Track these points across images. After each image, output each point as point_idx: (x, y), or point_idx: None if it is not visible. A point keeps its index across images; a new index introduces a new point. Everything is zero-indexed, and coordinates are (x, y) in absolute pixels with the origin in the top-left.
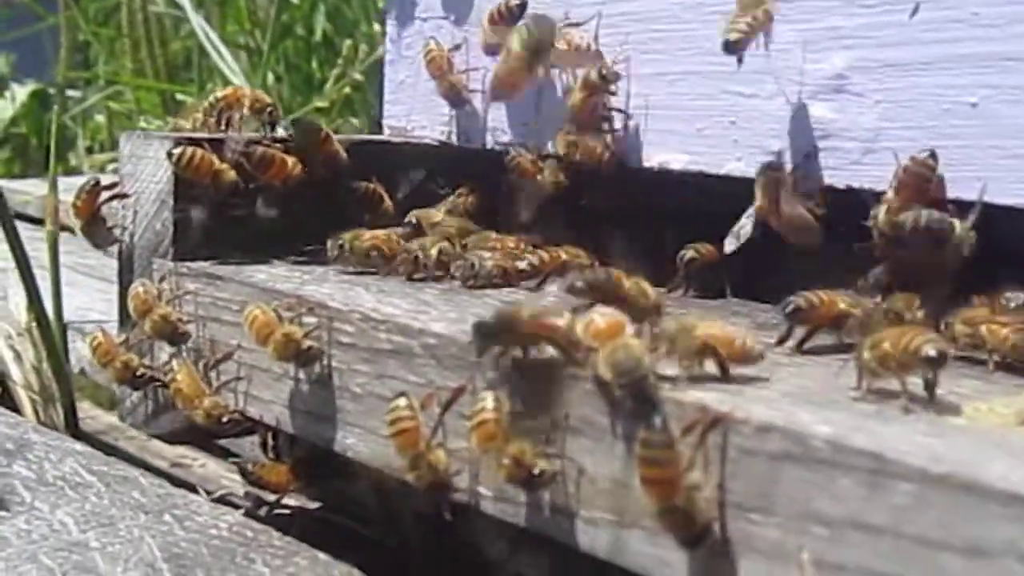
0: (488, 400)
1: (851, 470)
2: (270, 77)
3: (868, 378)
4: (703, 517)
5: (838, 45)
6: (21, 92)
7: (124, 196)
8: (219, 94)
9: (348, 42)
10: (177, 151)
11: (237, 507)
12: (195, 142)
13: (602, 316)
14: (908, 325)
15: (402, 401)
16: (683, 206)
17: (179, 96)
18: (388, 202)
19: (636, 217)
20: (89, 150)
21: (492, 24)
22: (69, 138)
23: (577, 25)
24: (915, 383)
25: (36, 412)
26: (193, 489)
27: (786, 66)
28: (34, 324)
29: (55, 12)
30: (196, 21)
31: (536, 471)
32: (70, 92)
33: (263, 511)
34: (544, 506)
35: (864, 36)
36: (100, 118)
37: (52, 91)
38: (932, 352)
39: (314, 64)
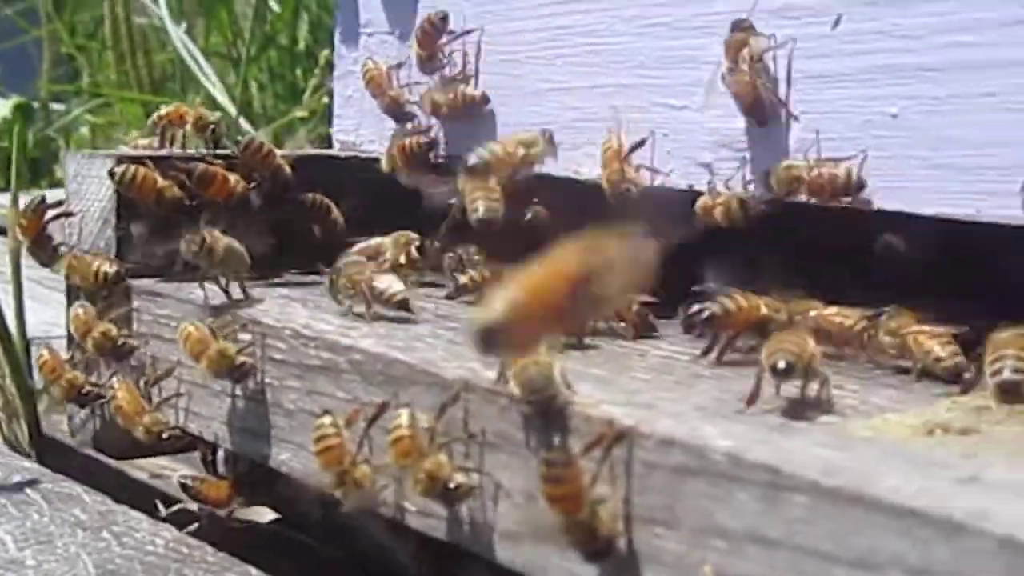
0: (403, 416)
1: (749, 484)
2: (254, 86)
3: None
4: (606, 531)
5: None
6: (3, 106)
7: (69, 215)
8: (162, 111)
9: (325, 52)
10: (119, 169)
11: (197, 520)
12: (138, 160)
13: None
14: (787, 332)
15: (327, 419)
16: (616, 218)
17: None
18: (336, 213)
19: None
20: None
21: (420, 43)
22: (53, 151)
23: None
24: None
25: (0, 429)
26: (165, 500)
27: (714, 78)
28: None
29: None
30: (175, 33)
31: (452, 485)
32: (55, 105)
33: (214, 524)
34: (464, 521)
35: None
36: (85, 130)
37: (36, 104)
38: (780, 364)
39: (298, 73)
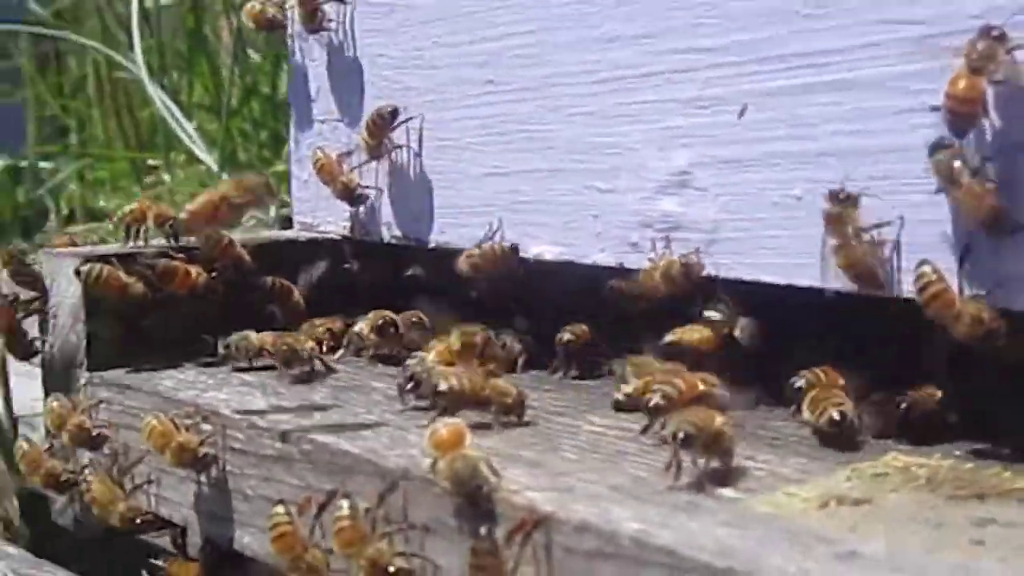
0: (344, 507)
1: (653, 566)
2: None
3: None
4: None
5: (678, 144)
6: None
7: (41, 311)
8: (126, 209)
9: None
10: (85, 269)
11: None
12: (103, 258)
13: (445, 425)
14: (697, 406)
15: (280, 507)
16: (560, 294)
17: (150, 162)
18: (297, 296)
19: (518, 306)
20: (69, 218)
21: (369, 133)
22: (41, 212)
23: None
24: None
25: None
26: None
27: (637, 163)
28: None
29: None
30: (153, 90)
31: (391, 570)
32: (44, 164)
33: None
34: None
35: (702, 135)
36: (75, 187)
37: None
38: (681, 434)
39: (281, 121)
